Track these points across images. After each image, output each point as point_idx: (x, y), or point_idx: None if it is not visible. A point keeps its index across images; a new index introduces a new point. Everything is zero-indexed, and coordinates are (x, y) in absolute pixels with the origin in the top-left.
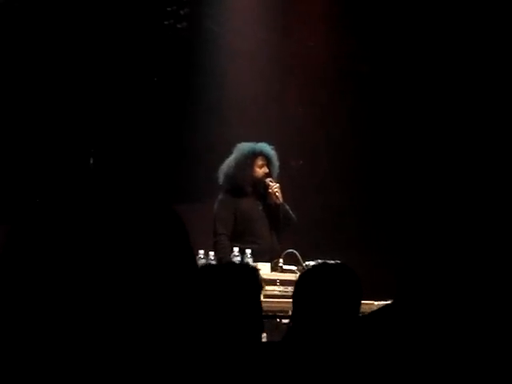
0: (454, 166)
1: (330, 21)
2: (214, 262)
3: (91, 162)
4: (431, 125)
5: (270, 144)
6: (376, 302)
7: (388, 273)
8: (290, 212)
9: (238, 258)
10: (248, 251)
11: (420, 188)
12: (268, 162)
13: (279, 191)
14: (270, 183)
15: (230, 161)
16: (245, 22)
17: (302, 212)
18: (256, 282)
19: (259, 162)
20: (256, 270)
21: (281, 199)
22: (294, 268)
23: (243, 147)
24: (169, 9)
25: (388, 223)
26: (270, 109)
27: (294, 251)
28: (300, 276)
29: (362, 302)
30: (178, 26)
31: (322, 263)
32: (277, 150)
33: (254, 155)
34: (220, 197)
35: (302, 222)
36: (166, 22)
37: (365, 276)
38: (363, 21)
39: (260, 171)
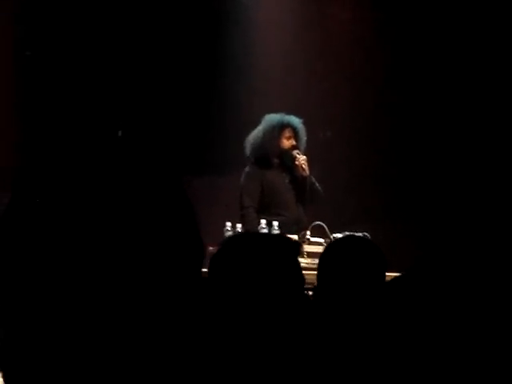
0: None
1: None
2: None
3: (120, 134)
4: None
5: (298, 117)
6: None
7: (416, 245)
8: (317, 185)
9: (266, 230)
10: (275, 223)
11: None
12: (295, 134)
13: (306, 163)
14: (297, 155)
15: (258, 132)
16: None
17: (330, 184)
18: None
19: (287, 133)
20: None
21: (307, 172)
22: (321, 240)
23: (271, 118)
24: None
25: (417, 196)
26: (298, 80)
27: (322, 223)
28: (324, 249)
29: (388, 274)
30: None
31: (347, 236)
32: (304, 121)
33: (281, 127)
34: (247, 169)
35: (330, 194)
36: None
37: (392, 248)
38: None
39: (287, 143)
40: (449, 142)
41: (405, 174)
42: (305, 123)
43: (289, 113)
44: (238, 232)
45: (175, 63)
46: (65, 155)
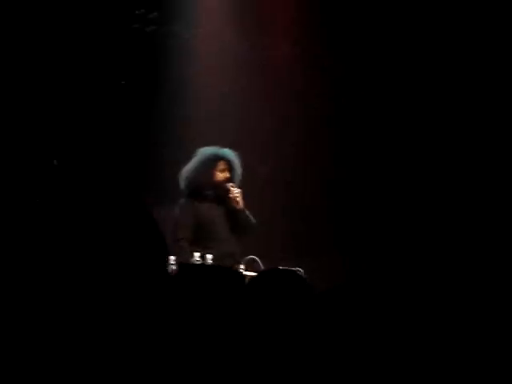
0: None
1: (299, 24)
2: (174, 267)
3: (55, 162)
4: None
5: (233, 150)
6: None
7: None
8: (251, 217)
9: (199, 263)
10: (209, 256)
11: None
12: (230, 166)
13: (240, 196)
14: (231, 188)
15: (192, 164)
16: (213, 25)
17: (266, 217)
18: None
19: (221, 166)
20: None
21: (241, 205)
22: (254, 274)
23: (205, 151)
24: (137, 12)
25: (353, 228)
26: (238, 113)
27: (255, 257)
28: (249, 281)
29: None
30: (147, 29)
31: (272, 269)
32: (244, 155)
33: (215, 159)
34: (181, 201)
35: (266, 228)
36: (134, 26)
37: (325, 281)
38: (332, 23)
39: (221, 175)
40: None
41: (344, 209)
42: (244, 156)
43: (228, 146)
44: (171, 264)
45: (114, 95)
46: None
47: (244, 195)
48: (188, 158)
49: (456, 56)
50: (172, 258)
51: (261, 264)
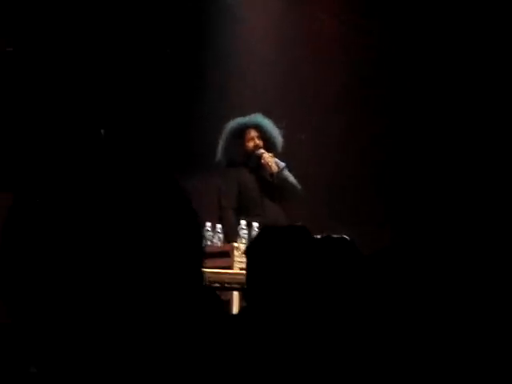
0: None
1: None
2: (221, 236)
3: (102, 132)
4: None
5: (275, 117)
6: None
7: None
8: (291, 179)
9: (245, 231)
10: (255, 224)
11: (433, 165)
12: (260, 132)
13: (272, 160)
14: (263, 154)
15: (222, 138)
16: None
17: (316, 184)
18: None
19: (250, 134)
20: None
21: (275, 168)
22: None
23: (231, 123)
24: None
25: (407, 200)
26: (283, 82)
27: (302, 224)
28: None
29: None
30: None
31: (324, 237)
32: (288, 125)
33: (241, 129)
34: (223, 171)
35: (316, 195)
36: None
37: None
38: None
39: (250, 144)
40: (435, 142)
41: (390, 177)
42: (287, 125)
43: (271, 113)
44: (217, 233)
45: (159, 64)
46: (53, 155)
47: (289, 160)
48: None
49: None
50: (219, 226)
51: (309, 232)
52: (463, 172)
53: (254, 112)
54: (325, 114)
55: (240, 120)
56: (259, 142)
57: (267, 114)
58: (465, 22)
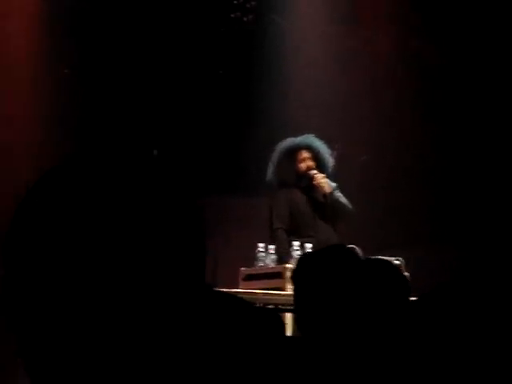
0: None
1: (396, 18)
2: (273, 257)
3: (155, 152)
4: (505, 122)
5: (329, 139)
6: None
7: (452, 271)
8: (344, 200)
9: (299, 252)
10: (308, 245)
11: (488, 190)
12: (312, 153)
13: (325, 182)
14: (315, 175)
15: (273, 160)
16: (311, 15)
17: (367, 207)
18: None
19: (302, 155)
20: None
21: (328, 189)
22: None
23: (283, 144)
24: (235, 2)
25: (455, 222)
26: (335, 104)
27: (355, 246)
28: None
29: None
30: (245, 19)
31: (369, 259)
32: (343, 145)
33: (293, 150)
34: (275, 191)
35: (367, 218)
36: (232, 15)
37: (428, 273)
38: (429, 19)
39: (302, 165)
40: (494, 163)
41: (444, 202)
42: (344, 145)
43: (325, 139)
44: (270, 254)
45: (212, 85)
46: (99, 169)
47: (340, 181)
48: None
49: None
50: (271, 246)
51: (360, 253)
52: None
53: (306, 133)
54: (379, 134)
55: (292, 141)
56: (311, 163)
57: (320, 135)
58: None
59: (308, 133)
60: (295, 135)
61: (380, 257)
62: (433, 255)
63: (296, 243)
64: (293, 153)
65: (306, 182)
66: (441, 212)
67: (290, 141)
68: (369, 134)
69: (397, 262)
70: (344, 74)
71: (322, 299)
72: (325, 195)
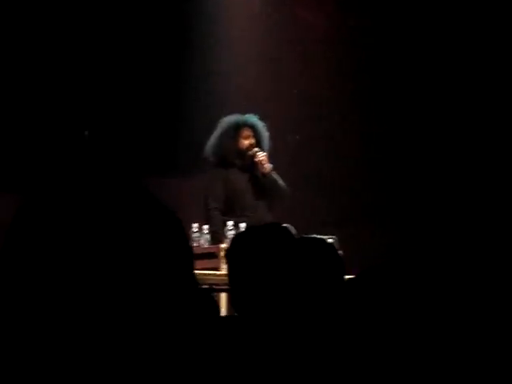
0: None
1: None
2: (207, 237)
3: (86, 133)
4: (436, 107)
5: (262, 117)
6: None
7: (386, 248)
8: (281, 181)
9: (232, 232)
10: (242, 225)
11: (424, 167)
12: (254, 132)
13: (266, 160)
14: (257, 153)
15: (215, 134)
16: None
17: (301, 185)
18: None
19: (244, 133)
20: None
21: (268, 168)
22: None
23: (228, 119)
24: None
25: (391, 197)
26: (267, 84)
27: (290, 226)
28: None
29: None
30: None
31: (301, 238)
32: (273, 125)
33: (238, 127)
34: (209, 171)
35: (300, 197)
36: None
37: (362, 251)
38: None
39: (245, 142)
40: (426, 140)
41: (378, 178)
42: (273, 126)
43: (257, 114)
44: (204, 234)
45: (146, 69)
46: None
47: (274, 162)
48: (214, 128)
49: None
50: (205, 226)
51: (294, 232)
52: (460, 174)
53: (239, 112)
54: (313, 115)
55: (237, 118)
56: (253, 141)
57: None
58: (462, 21)
59: (242, 113)
60: (227, 114)
61: (314, 235)
62: (365, 233)
63: (230, 223)
64: (236, 130)
65: (248, 160)
66: (373, 190)
67: (234, 117)
68: (302, 114)
69: (330, 241)
70: (277, 51)
71: (256, 278)
72: (264, 174)
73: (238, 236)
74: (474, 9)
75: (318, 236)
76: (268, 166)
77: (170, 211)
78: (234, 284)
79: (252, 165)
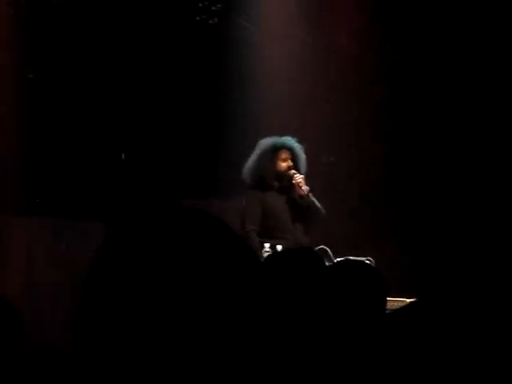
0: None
1: (360, 22)
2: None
3: (123, 157)
4: (469, 124)
5: (298, 140)
6: (408, 300)
7: (422, 270)
8: (317, 203)
9: (269, 254)
10: (279, 247)
11: (459, 187)
12: (292, 154)
13: (303, 182)
14: (294, 175)
15: (253, 156)
16: (277, 17)
17: (335, 207)
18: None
19: (282, 155)
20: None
21: (306, 191)
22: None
23: (265, 142)
24: (201, 4)
25: (424, 219)
26: (303, 108)
27: (326, 247)
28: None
29: (393, 299)
30: (210, 21)
31: (346, 260)
32: (309, 147)
33: (275, 149)
34: (247, 192)
35: (336, 218)
36: (197, 18)
37: (397, 272)
38: (395, 22)
39: (283, 164)
40: (462, 164)
41: (413, 199)
42: (308, 148)
43: (294, 137)
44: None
45: (178, 88)
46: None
47: (310, 183)
48: (252, 150)
49: None
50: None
51: (331, 254)
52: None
53: (274, 134)
54: (345, 135)
55: (275, 140)
56: (291, 164)
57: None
58: (465, 25)
59: (278, 135)
60: (263, 136)
61: (350, 257)
62: (395, 256)
63: (267, 245)
64: (273, 152)
65: (285, 182)
66: (405, 213)
67: (273, 139)
68: (333, 136)
69: (368, 262)
70: (309, 75)
71: (284, 300)
72: (302, 197)
73: (270, 258)
74: (474, 9)
75: (357, 258)
76: (305, 189)
77: (235, 234)
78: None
79: (289, 187)
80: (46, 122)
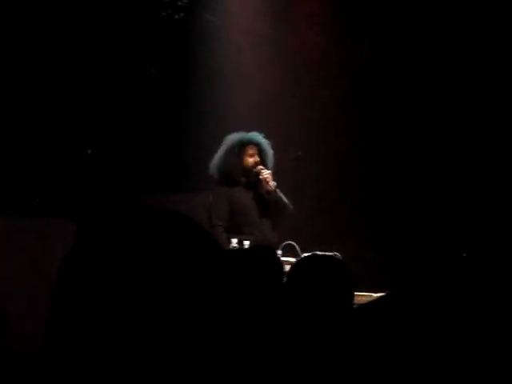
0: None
1: (325, 18)
2: None
3: (89, 152)
4: (432, 120)
5: (265, 135)
6: (375, 294)
7: (388, 264)
8: (284, 199)
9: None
10: (246, 242)
11: (420, 182)
12: (259, 150)
13: (271, 178)
14: (261, 170)
15: (220, 152)
16: (242, 11)
17: (302, 203)
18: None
19: (249, 150)
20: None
21: (272, 186)
22: (292, 260)
23: (232, 137)
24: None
25: (389, 214)
26: (270, 103)
27: (293, 243)
28: (291, 268)
29: (360, 293)
30: (176, 16)
31: (314, 255)
32: (276, 142)
33: (242, 144)
34: (214, 188)
35: (302, 214)
36: (163, 13)
37: (364, 267)
38: (359, 17)
39: (250, 160)
40: (423, 159)
41: (378, 194)
42: (276, 143)
43: (261, 133)
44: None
45: (145, 83)
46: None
47: (277, 179)
48: (218, 145)
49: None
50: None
51: (298, 249)
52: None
53: (241, 129)
54: (312, 130)
55: (242, 135)
56: (258, 159)
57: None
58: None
59: (245, 130)
60: (230, 132)
61: (319, 252)
62: (363, 249)
63: (234, 240)
64: (240, 147)
65: (252, 178)
66: (370, 206)
67: (240, 135)
68: (300, 131)
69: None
70: (275, 70)
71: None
72: (269, 192)
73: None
74: (474, 9)
75: (327, 253)
76: (272, 184)
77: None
78: (289, 304)
79: (256, 182)
80: (8, 117)
